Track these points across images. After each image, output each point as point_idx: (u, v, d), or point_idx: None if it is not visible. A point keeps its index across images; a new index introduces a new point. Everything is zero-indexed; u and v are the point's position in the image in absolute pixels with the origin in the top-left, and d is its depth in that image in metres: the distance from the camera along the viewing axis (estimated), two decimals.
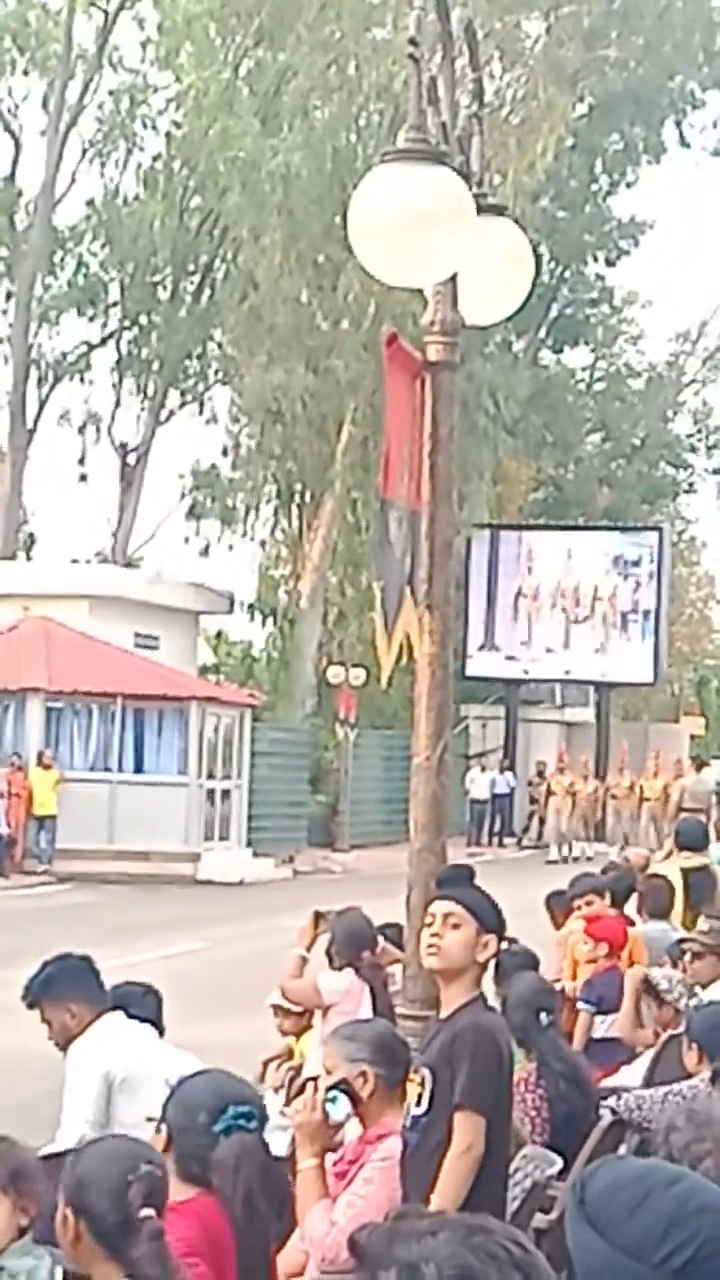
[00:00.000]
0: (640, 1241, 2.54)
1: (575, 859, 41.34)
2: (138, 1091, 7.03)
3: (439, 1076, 5.86)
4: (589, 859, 41.22)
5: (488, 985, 6.96)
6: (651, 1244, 2.54)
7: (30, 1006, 7.29)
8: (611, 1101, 8.08)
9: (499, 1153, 5.99)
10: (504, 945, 6.56)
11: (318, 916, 9.73)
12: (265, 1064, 10.87)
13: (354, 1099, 6.12)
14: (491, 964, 9.56)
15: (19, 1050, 8.24)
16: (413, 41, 6.80)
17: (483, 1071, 5.87)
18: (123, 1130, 7.02)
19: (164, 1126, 4.57)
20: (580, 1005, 11.10)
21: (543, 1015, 8.73)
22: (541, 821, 46.93)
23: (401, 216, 6.46)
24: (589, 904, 12.36)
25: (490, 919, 6.00)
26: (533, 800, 47.77)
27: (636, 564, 50.12)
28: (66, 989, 7.25)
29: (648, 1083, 9.38)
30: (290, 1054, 10.56)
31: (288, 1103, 5.87)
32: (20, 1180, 4.66)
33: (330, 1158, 6.21)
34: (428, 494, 7.08)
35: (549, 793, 45.98)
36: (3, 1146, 4.65)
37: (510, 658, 50.20)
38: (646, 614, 49.98)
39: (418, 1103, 5.90)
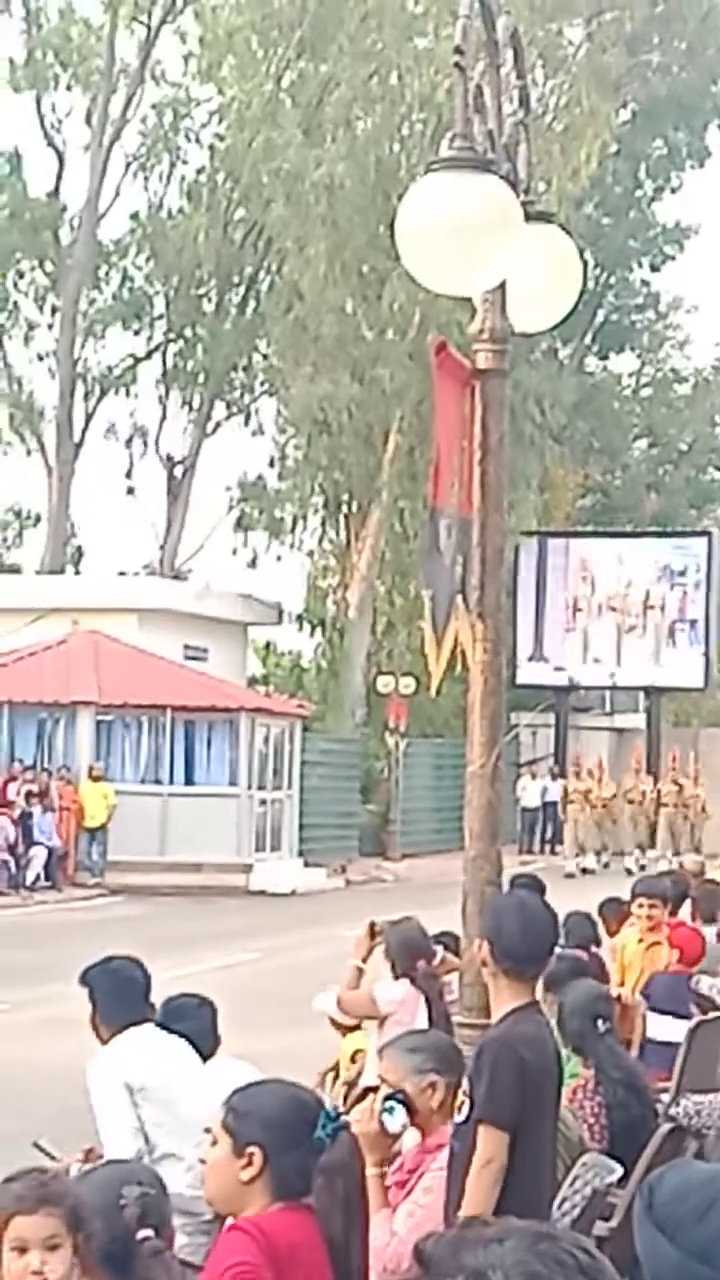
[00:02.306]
0: (709, 1245, 2.53)
1: (591, 871, 40.81)
2: (158, 1102, 7.06)
3: (473, 1087, 5.88)
4: (605, 866, 41.10)
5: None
6: None
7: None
8: (671, 1109, 8.06)
9: (532, 1163, 5.95)
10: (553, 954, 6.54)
11: (373, 927, 9.71)
12: (323, 1076, 10.86)
13: (410, 1110, 6.12)
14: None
15: (72, 1061, 8.26)
16: (458, 50, 6.80)
17: (501, 1085, 5.86)
18: (157, 1136, 7.07)
19: (254, 1150, 4.48)
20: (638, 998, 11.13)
21: (599, 1022, 8.71)
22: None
23: (450, 225, 6.46)
24: (653, 908, 12.30)
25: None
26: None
27: (683, 574, 50.01)
28: (97, 1001, 7.33)
29: (680, 1074, 9.39)
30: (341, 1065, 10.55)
31: (344, 1114, 5.84)
32: (81, 1220, 4.53)
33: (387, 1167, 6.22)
34: (478, 501, 7.07)
35: (566, 800, 44.40)
36: (55, 1186, 4.52)
37: (559, 668, 50.13)
38: (694, 623, 49.85)
39: (459, 1111, 5.92)
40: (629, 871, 39.31)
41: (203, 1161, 4.63)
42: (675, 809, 43.72)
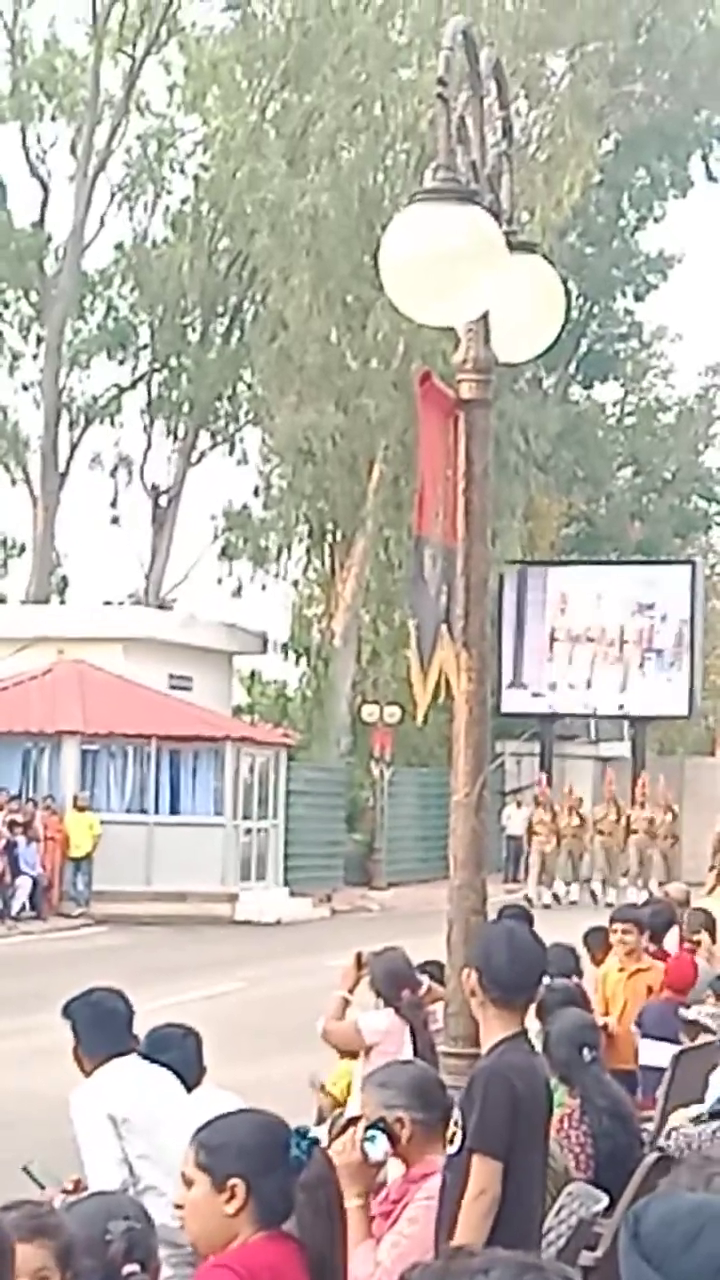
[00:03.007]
0: (696, 1275, 2.53)
1: (557, 901, 40.31)
2: (142, 1133, 7.06)
3: (465, 1118, 5.87)
4: (573, 903, 40.02)
5: (531, 1022, 6.94)
6: (708, 1278, 2.52)
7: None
8: (661, 1140, 8.06)
9: (524, 1194, 5.95)
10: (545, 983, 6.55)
11: (360, 958, 9.70)
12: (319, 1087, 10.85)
13: (392, 1139, 6.12)
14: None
15: (59, 1091, 8.24)
16: (441, 81, 6.83)
17: (492, 1116, 5.86)
18: (141, 1168, 7.06)
19: (235, 1181, 4.47)
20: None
21: (585, 1051, 8.71)
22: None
23: (434, 255, 6.49)
24: (626, 934, 12.37)
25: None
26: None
27: (651, 607, 50.11)
28: (79, 1033, 7.33)
29: (665, 1099, 9.40)
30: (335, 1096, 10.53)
31: (330, 1144, 5.83)
32: (70, 1257, 4.52)
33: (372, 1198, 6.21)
34: (463, 531, 7.09)
35: (531, 831, 42.50)
36: (51, 1220, 4.51)
37: (536, 694, 50.13)
38: (660, 652, 49.94)
39: (451, 1142, 5.91)
40: (594, 900, 39.41)
41: (179, 1207, 4.60)
42: (646, 837, 42.83)
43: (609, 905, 37.53)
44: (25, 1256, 4.30)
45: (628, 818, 43.20)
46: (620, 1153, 8.31)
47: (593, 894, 40.25)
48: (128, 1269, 4.20)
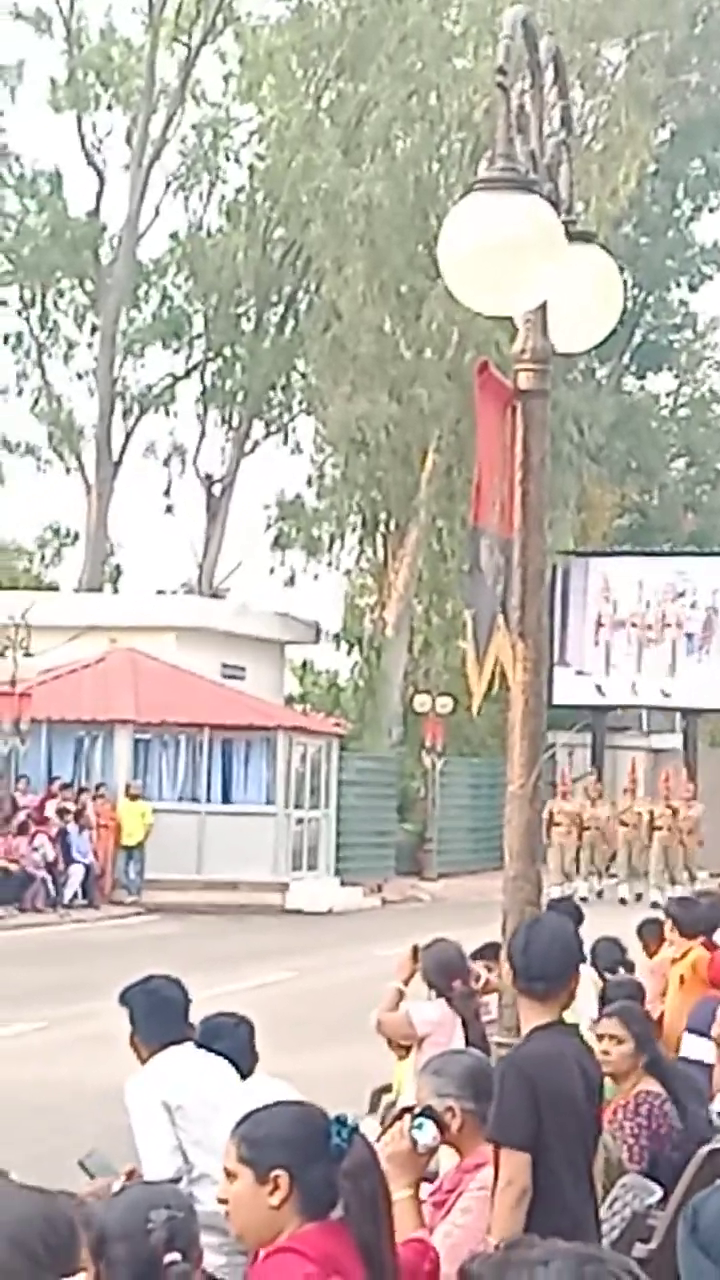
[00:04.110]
0: None
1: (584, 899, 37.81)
2: (197, 1120, 7.07)
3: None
4: (599, 895, 38.39)
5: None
6: None
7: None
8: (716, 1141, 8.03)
9: (560, 1185, 5.92)
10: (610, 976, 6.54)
11: (416, 950, 9.70)
12: (375, 1094, 10.86)
13: (441, 1126, 6.11)
14: (596, 995, 9.58)
15: (111, 1079, 8.27)
16: (501, 70, 6.80)
17: (508, 1106, 5.86)
18: (195, 1156, 7.07)
19: (279, 1173, 4.47)
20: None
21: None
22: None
23: (493, 245, 6.46)
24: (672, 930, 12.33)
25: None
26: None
27: (683, 594, 50.02)
28: (136, 1020, 7.34)
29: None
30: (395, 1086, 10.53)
31: (381, 1134, 5.83)
32: (104, 1246, 4.53)
33: (426, 1188, 6.20)
34: (519, 522, 7.06)
35: (551, 822, 38.60)
36: (82, 1211, 4.53)
37: (580, 673, 49.89)
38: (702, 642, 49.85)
39: None
40: (623, 901, 37.70)
41: (224, 1201, 4.61)
42: (669, 832, 40.71)
43: (623, 901, 36.87)
44: None
45: (651, 811, 41.40)
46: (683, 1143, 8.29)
47: (621, 899, 38.12)
48: (169, 1258, 4.19)
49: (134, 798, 34.95)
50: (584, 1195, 6.15)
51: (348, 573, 50.66)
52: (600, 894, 39.09)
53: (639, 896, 38.04)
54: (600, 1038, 8.42)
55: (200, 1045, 7.45)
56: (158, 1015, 7.34)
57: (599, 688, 50.20)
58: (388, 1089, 10.65)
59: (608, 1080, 7.55)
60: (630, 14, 46.58)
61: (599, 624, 50.48)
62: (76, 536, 51.96)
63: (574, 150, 7.55)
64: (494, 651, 6.87)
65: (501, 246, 6.48)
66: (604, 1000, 9.24)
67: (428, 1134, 5.83)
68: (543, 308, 7.04)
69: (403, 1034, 9.65)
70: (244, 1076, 7.51)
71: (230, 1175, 4.50)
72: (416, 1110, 5.99)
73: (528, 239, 6.49)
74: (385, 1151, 5.95)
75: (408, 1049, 10.01)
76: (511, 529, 7.05)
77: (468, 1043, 8.82)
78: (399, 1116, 6.02)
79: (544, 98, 7.26)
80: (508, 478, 7.01)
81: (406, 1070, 9.52)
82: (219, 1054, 7.48)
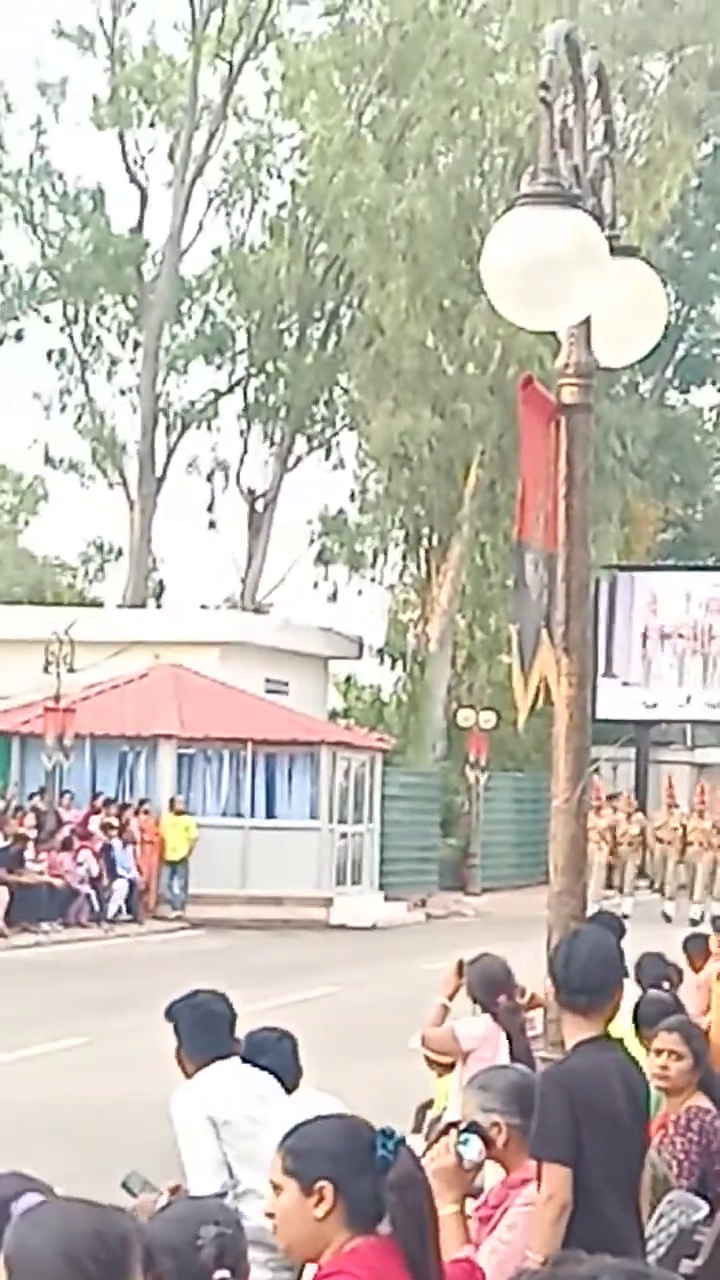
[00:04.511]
0: None
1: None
2: (243, 1136, 7.07)
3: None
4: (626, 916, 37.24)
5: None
6: None
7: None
8: None
9: (602, 1200, 5.90)
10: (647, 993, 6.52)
11: (461, 965, 9.70)
12: (420, 1109, 10.84)
13: (487, 1141, 6.10)
14: (632, 1012, 9.54)
15: (155, 1094, 8.27)
16: (544, 85, 6.81)
17: (548, 1121, 5.85)
18: (240, 1171, 7.06)
19: (324, 1184, 4.47)
20: None
21: None
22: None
23: (537, 260, 6.47)
24: None
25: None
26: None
27: None
28: (182, 1035, 7.33)
29: None
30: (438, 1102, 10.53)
31: (426, 1150, 5.82)
32: (151, 1259, 4.54)
33: (471, 1204, 6.19)
34: (563, 536, 7.07)
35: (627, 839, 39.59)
36: (132, 1225, 4.54)
37: (627, 684, 49.79)
38: None
39: None
40: (666, 918, 36.55)
41: (270, 1215, 4.61)
42: (702, 848, 39.80)
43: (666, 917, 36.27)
44: None
45: (683, 827, 40.39)
46: None
47: (665, 915, 36.96)
48: (218, 1275, 4.19)
49: (179, 813, 35.00)
50: (627, 1211, 6.12)
51: (391, 587, 50.75)
52: (630, 910, 38.32)
53: (667, 916, 37.13)
54: (659, 1052, 8.39)
55: (245, 1060, 7.45)
56: (204, 1030, 7.33)
57: (644, 702, 50.12)
58: (431, 1104, 10.65)
59: (657, 1094, 7.54)
60: (673, 28, 46.61)
61: (644, 638, 50.43)
62: (120, 552, 52.13)
63: (617, 165, 7.55)
64: (539, 666, 6.87)
65: (545, 261, 6.49)
66: (638, 1016, 9.19)
67: (473, 1149, 5.81)
68: (586, 322, 7.05)
69: (448, 1049, 9.63)
70: (289, 1091, 7.51)
71: (276, 1188, 4.50)
72: (462, 1125, 5.98)
73: (571, 254, 6.49)
74: (431, 1167, 5.94)
75: (448, 1066, 10.01)
76: (556, 543, 7.05)
77: (513, 1058, 8.80)
78: (444, 1132, 6.01)
79: (587, 112, 7.26)
80: (552, 492, 7.02)
81: (450, 1086, 9.50)
82: (263, 1069, 7.48)
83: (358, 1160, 4.42)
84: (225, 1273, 4.21)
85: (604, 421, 44.42)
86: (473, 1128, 5.92)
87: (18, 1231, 3.33)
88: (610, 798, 43.62)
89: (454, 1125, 6.08)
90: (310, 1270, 4.64)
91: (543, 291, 6.55)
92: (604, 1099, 6.01)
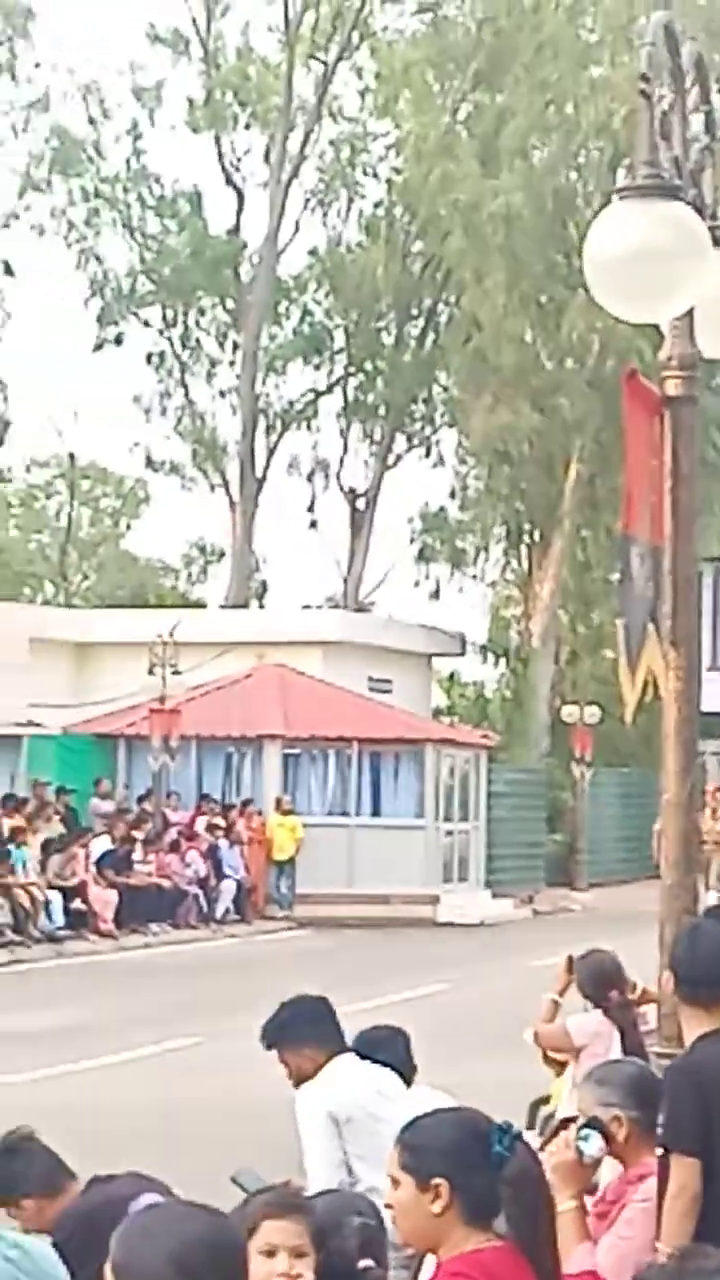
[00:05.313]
0: None
1: None
2: (363, 1133, 7.06)
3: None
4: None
5: None
6: None
7: (268, 1048, 7.38)
8: None
9: None
10: None
11: (571, 961, 9.67)
12: (533, 1106, 10.82)
13: (607, 1137, 6.07)
14: None
15: (267, 1094, 8.31)
16: (644, 77, 6.78)
17: (679, 1112, 5.82)
18: (360, 1170, 7.07)
19: (439, 1181, 4.47)
20: None
21: None
22: None
23: (639, 252, 6.44)
24: None
25: None
26: None
27: None
28: (301, 1033, 7.33)
29: None
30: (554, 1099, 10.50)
31: (543, 1146, 5.80)
32: (321, 1238, 4.62)
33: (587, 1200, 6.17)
34: (669, 529, 7.03)
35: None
36: (303, 1200, 4.61)
37: None
38: None
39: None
40: None
41: (389, 1207, 4.62)
42: None
43: None
44: (283, 1232, 4.55)
45: None
46: None
47: None
48: (363, 1263, 4.21)
49: (285, 813, 35.06)
50: None
51: (492, 584, 50.72)
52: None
53: None
54: None
55: (364, 1057, 7.45)
56: (322, 1026, 7.35)
57: None
58: (545, 1100, 10.62)
59: None
60: None
61: None
62: (222, 553, 52.35)
63: (717, 155, 7.51)
64: (646, 660, 6.85)
65: (647, 254, 6.46)
66: None
67: (594, 1145, 5.79)
68: (689, 314, 7.01)
69: (560, 1045, 9.61)
70: (406, 1086, 7.52)
71: (394, 1181, 4.51)
72: (583, 1121, 5.96)
73: (673, 246, 6.47)
74: (550, 1162, 5.92)
75: (562, 1064, 9.98)
76: (661, 537, 7.02)
77: (625, 1053, 8.77)
78: (561, 1127, 5.99)
79: (686, 103, 7.22)
80: (657, 486, 6.99)
81: (565, 1083, 9.48)
82: (380, 1064, 7.48)
83: (473, 1156, 4.41)
84: (369, 1261, 4.23)
85: (706, 414, 44.22)
86: (593, 1123, 5.90)
87: (127, 1240, 3.32)
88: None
89: (570, 1120, 6.06)
90: (429, 1263, 4.64)
91: (645, 284, 6.53)
92: None
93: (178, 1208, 3.46)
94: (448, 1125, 4.55)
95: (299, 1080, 7.33)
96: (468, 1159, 4.41)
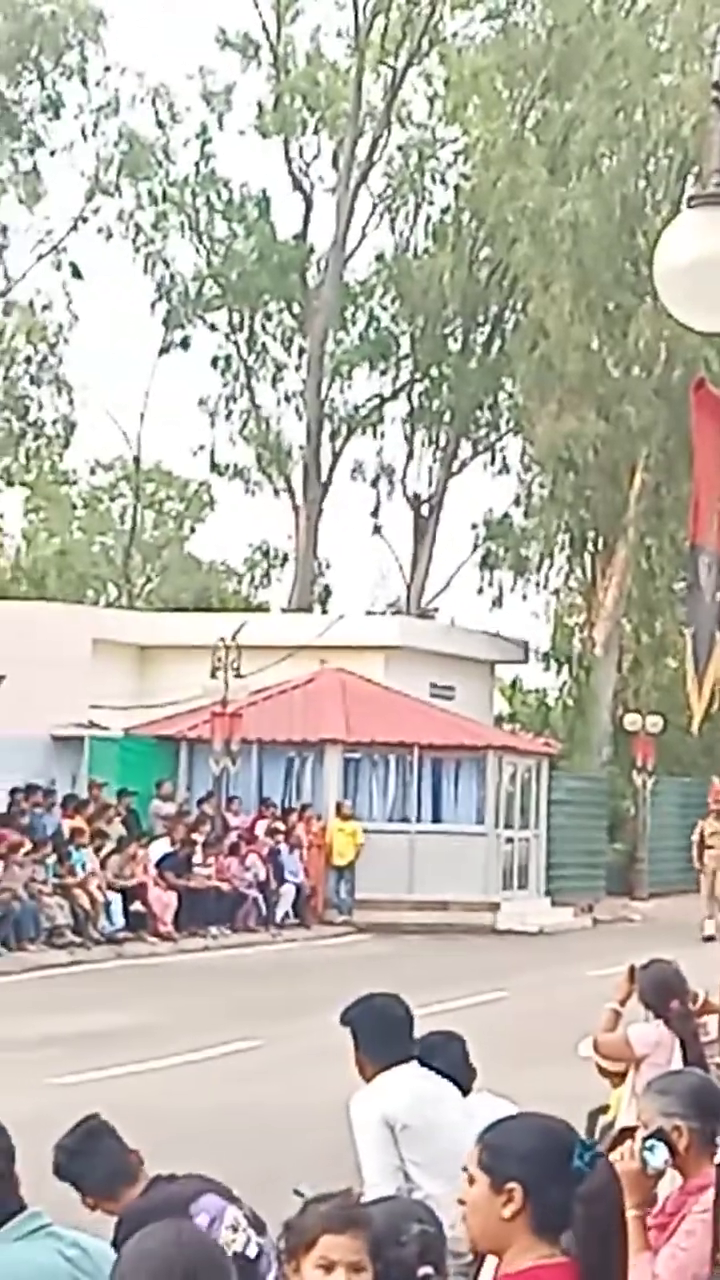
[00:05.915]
0: None
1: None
2: (420, 1140, 7.04)
3: None
4: None
5: None
6: None
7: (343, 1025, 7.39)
8: None
9: None
10: None
11: (633, 971, 9.64)
12: (592, 1115, 10.79)
13: (672, 1149, 6.06)
14: None
15: (328, 1098, 8.30)
16: (715, 85, 6.78)
17: None
18: (416, 1176, 7.05)
19: (514, 1186, 4.44)
20: None
21: None
22: None
23: (708, 261, 6.44)
24: None
25: None
26: None
27: None
28: (360, 1039, 7.32)
29: None
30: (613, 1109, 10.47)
31: (605, 1155, 5.78)
32: (379, 1250, 4.59)
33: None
34: None
35: (703, 845, 35.03)
36: (361, 1212, 4.58)
37: None
38: None
39: None
40: None
41: (461, 1202, 4.60)
42: None
43: None
44: (342, 1247, 4.50)
45: None
46: None
47: None
48: (422, 1271, 4.20)
49: (346, 818, 35.06)
50: None
51: (556, 592, 50.60)
52: None
53: None
54: None
55: (424, 1063, 7.44)
56: (383, 1033, 7.32)
57: None
58: (604, 1110, 10.58)
59: None
60: None
61: None
62: (285, 558, 52.39)
63: None
64: (714, 669, 6.83)
65: (716, 262, 6.46)
66: None
67: (659, 1156, 5.77)
68: None
69: (621, 1055, 9.58)
70: (464, 1094, 7.50)
71: (470, 1179, 4.49)
72: (648, 1131, 5.94)
73: None
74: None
75: (620, 1075, 9.95)
76: None
77: (686, 1063, 8.74)
78: (621, 1138, 5.98)
79: None
80: None
81: (624, 1093, 9.45)
82: (436, 1071, 7.46)
83: (552, 1167, 4.37)
84: (429, 1269, 4.22)
85: None
86: (659, 1134, 5.88)
87: (121, 1266, 3.40)
88: None
89: (630, 1130, 6.04)
90: (488, 1270, 4.63)
91: (714, 293, 6.53)
92: None
93: (170, 1232, 3.48)
94: (532, 1131, 4.51)
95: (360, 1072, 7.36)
96: (546, 1168, 4.37)
